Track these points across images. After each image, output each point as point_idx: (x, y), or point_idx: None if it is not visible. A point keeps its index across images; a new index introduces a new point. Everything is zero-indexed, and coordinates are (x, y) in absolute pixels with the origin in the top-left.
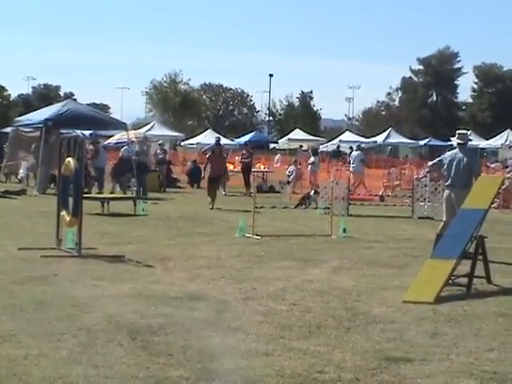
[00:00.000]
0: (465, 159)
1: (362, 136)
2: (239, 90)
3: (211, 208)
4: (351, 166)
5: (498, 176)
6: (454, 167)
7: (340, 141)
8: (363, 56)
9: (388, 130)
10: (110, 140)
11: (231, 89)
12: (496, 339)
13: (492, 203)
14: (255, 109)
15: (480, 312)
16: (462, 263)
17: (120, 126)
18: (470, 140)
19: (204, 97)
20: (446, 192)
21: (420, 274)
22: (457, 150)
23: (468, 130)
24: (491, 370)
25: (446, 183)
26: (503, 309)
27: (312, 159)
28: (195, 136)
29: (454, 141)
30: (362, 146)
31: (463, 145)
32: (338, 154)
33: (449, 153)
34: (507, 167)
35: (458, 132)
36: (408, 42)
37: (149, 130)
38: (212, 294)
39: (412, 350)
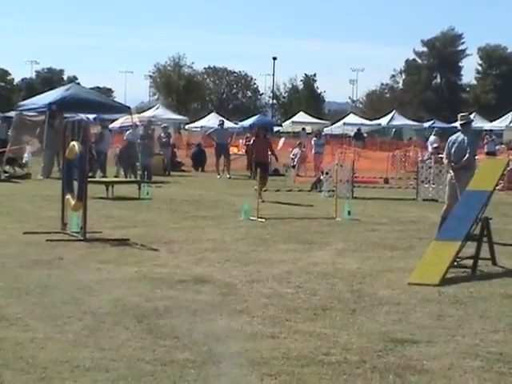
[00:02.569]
0: (465, 141)
1: (366, 119)
2: (243, 73)
3: (262, 201)
4: None
5: (503, 158)
6: (455, 149)
7: (344, 123)
8: (367, 38)
9: (392, 113)
10: (113, 124)
11: (235, 72)
12: (501, 321)
13: (497, 185)
14: (259, 92)
15: (485, 294)
16: (467, 245)
17: (124, 109)
18: (472, 121)
19: (208, 80)
20: (449, 174)
21: (425, 256)
22: (459, 132)
23: (472, 112)
24: (497, 352)
25: (449, 165)
26: (509, 290)
27: (316, 141)
28: (199, 119)
29: (457, 124)
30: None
31: (465, 126)
32: (360, 137)
33: (453, 136)
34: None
35: (459, 115)
36: (412, 24)
37: (153, 113)
38: (217, 276)
39: (417, 332)
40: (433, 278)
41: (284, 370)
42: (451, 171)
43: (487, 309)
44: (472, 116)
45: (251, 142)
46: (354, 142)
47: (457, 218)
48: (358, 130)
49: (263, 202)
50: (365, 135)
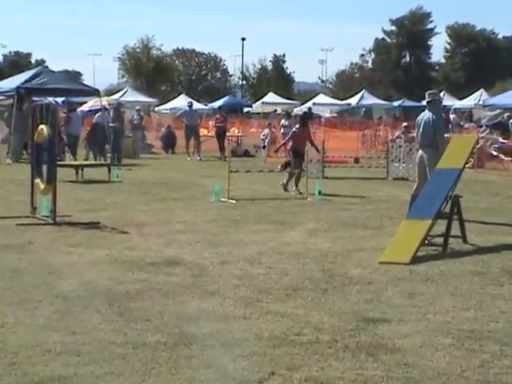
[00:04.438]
0: (431, 119)
1: (336, 98)
2: (212, 55)
3: (296, 191)
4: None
5: (472, 135)
6: (422, 128)
7: (314, 103)
8: (336, 18)
9: (362, 92)
10: (82, 107)
11: (204, 53)
12: (472, 298)
13: (466, 163)
14: (228, 73)
15: (456, 271)
16: (437, 223)
17: (92, 92)
18: (439, 98)
19: (177, 62)
20: (418, 153)
21: (396, 235)
22: (426, 110)
23: (441, 90)
24: (468, 329)
25: (418, 144)
26: (479, 268)
27: (285, 122)
28: (169, 101)
29: (424, 102)
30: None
31: (432, 104)
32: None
33: (421, 114)
34: (481, 127)
35: (427, 93)
36: (380, 3)
37: (122, 95)
38: (188, 258)
39: (389, 311)
40: (404, 257)
41: (256, 351)
42: (420, 150)
43: (458, 286)
44: (441, 94)
45: (296, 130)
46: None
47: (427, 196)
48: (309, 109)
49: (301, 193)
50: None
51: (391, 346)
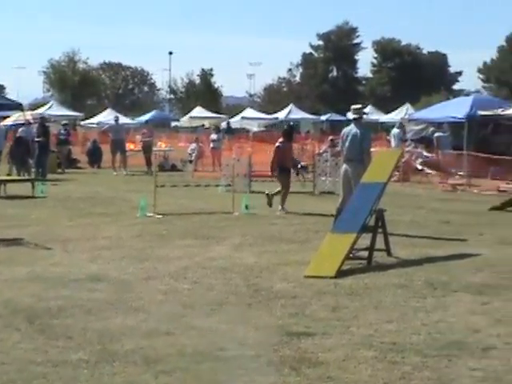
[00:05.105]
0: (359, 134)
1: (264, 112)
2: (139, 69)
3: (282, 211)
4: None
5: (397, 149)
6: (349, 142)
7: (242, 117)
8: (263, 32)
9: (289, 106)
10: (6, 121)
11: (131, 67)
12: (395, 310)
13: (391, 176)
14: (156, 87)
15: (380, 284)
16: (362, 237)
17: (15, 106)
18: (365, 114)
19: (103, 76)
20: (343, 167)
21: (321, 249)
22: (352, 124)
23: (367, 104)
24: (390, 341)
25: (343, 158)
26: (402, 280)
27: (214, 136)
28: (95, 115)
29: (350, 116)
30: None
31: (358, 119)
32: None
33: (346, 128)
34: (406, 141)
35: (352, 107)
36: (307, 18)
37: (47, 109)
38: (113, 274)
39: (313, 325)
40: (329, 271)
41: (179, 367)
42: (345, 164)
43: (382, 299)
44: (367, 109)
45: (280, 145)
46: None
47: (352, 210)
48: (228, 123)
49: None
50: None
51: (314, 360)
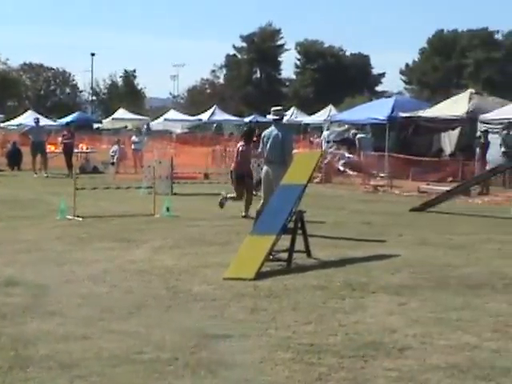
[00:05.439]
0: (280, 135)
1: (188, 114)
2: (61, 70)
3: (244, 216)
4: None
5: (317, 151)
6: (270, 144)
7: (165, 119)
8: (187, 34)
9: (213, 108)
10: None
11: (52, 68)
12: (314, 312)
13: (311, 178)
14: (78, 88)
15: (299, 286)
16: (283, 238)
17: None
18: (285, 115)
19: (24, 77)
20: (264, 168)
21: (240, 251)
22: (273, 126)
23: (291, 106)
24: (308, 343)
25: (264, 160)
26: (322, 282)
27: (135, 138)
28: (16, 117)
29: (270, 117)
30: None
31: (278, 121)
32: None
33: (267, 130)
34: (329, 142)
35: (272, 109)
36: (231, 20)
37: None
38: (29, 278)
39: (232, 327)
40: (248, 273)
41: (95, 371)
42: (266, 166)
43: (300, 301)
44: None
45: (240, 148)
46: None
47: (271, 211)
48: (148, 125)
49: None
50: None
51: (232, 362)
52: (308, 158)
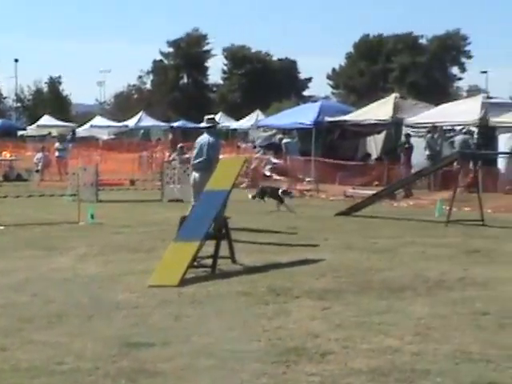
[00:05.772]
0: (210, 143)
1: (115, 120)
2: None
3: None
4: None
5: (241, 156)
6: (199, 150)
7: (91, 126)
8: (112, 39)
9: (140, 114)
10: None
11: None
12: (237, 318)
13: (235, 183)
14: (2, 95)
15: (223, 292)
16: (208, 244)
17: None
18: (218, 123)
19: None
20: (192, 175)
21: (164, 258)
22: (205, 134)
23: (218, 111)
24: (230, 349)
25: (193, 166)
26: (246, 287)
27: (58, 145)
28: None
29: (203, 125)
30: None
31: (210, 128)
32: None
33: (200, 137)
34: (255, 147)
35: (205, 117)
36: (157, 25)
37: None
38: None
39: (154, 334)
40: (172, 280)
41: (12, 383)
42: (194, 172)
43: (224, 307)
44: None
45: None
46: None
47: (196, 218)
48: (73, 132)
49: None
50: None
51: (153, 370)
52: (232, 164)
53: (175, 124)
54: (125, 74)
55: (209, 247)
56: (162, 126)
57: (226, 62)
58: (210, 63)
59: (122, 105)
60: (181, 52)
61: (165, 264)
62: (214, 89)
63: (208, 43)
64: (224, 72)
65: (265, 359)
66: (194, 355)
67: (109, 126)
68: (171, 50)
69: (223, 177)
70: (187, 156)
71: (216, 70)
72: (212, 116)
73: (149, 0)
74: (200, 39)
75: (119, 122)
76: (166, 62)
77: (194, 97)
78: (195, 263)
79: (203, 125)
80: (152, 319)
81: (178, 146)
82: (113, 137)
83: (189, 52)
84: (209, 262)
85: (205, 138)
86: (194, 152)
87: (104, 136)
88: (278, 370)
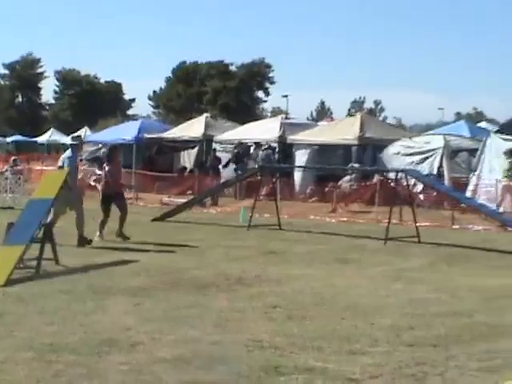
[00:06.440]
0: (68, 159)
1: None
2: None
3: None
4: None
5: (64, 169)
6: (62, 163)
7: None
8: None
9: None
10: None
11: None
12: (57, 314)
13: (57, 194)
14: None
15: (46, 291)
16: (33, 248)
17: None
18: (82, 142)
19: None
20: None
21: None
22: (70, 150)
23: (49, 128)
24: (48, 342)
25: None
26: (67, 286)
27: None
28: None
29: (68, 142)
30: None
31: (75, 145)
32: None
33: (65, 153)
34: (81, 160)
35: (72, 135)
36: None
37: None
38: None
39: None
40: None
41: None
42: None
43: (46, 305)
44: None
45: (107, 168)
46: None
47: (22, 223)
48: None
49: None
50: None
51: None
52: (55, 176)
53: (10, 139)
54: None
55: (35, 250)
56: None
57: (57, 83)
58: (43, 84)
59: None
60: (16, 74)
61: None
62: (47, 107)
63: (41, 66)
64: (56, 92)
65: (80, 351)
66: (14, 349)
67: None
68: (7, 71)
69: (48, 187)
70: (20, 168)
71: (49, 90)
72: (78, 135)
73: None
74: (34, 62)
75: None
76: (1, 82)
77: (29, 114)
78: (21, 265)
79: (69, 141)
80: None
81: (12, 158)
82: None
83: (23, 74)
84: (34, 263)
85: (70, 153)
86: (58, 164)
87: None
88: (90, 361)
